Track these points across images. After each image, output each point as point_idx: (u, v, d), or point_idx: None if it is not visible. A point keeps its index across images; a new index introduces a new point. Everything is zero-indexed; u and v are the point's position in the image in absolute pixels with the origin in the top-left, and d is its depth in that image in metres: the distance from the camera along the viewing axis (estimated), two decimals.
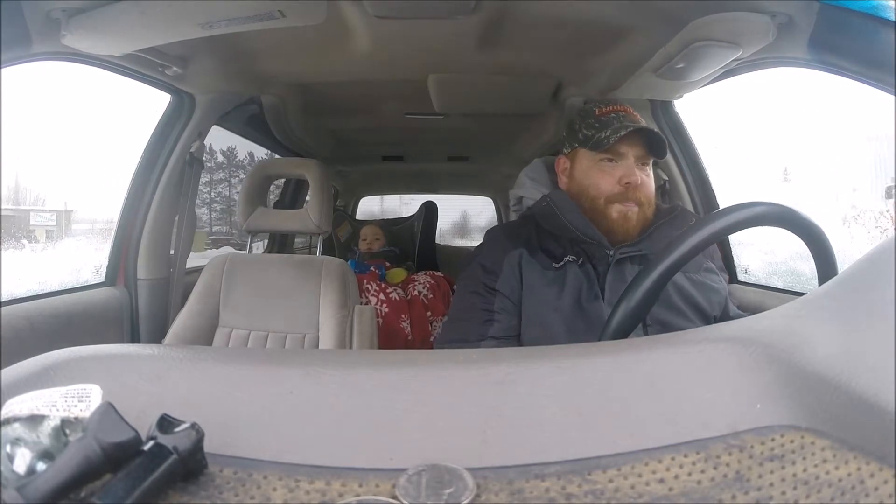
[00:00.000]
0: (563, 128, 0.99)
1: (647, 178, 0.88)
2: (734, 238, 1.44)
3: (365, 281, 2.08)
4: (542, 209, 0.90)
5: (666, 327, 0.80)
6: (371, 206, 3.76)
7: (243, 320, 1.39)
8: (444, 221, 3.39)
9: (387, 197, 3.81)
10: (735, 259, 1.47)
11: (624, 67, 1.30)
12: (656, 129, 0.88)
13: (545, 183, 0.98)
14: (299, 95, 1.69)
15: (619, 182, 0.86)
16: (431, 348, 2.06)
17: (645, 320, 0.78)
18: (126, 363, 0.36)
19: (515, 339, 0.85)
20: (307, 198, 1.56)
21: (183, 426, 0.26)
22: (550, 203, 0.89)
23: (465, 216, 4.06)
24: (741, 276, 1.47)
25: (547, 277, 0.85)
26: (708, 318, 0.86)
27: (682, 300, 0.84)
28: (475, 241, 3.59)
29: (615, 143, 0.85)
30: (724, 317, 0.89)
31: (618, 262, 0.85)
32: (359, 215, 3.49)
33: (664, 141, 0.87)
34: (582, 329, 0.81)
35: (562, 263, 0.85)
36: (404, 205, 3.74)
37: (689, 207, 1.47)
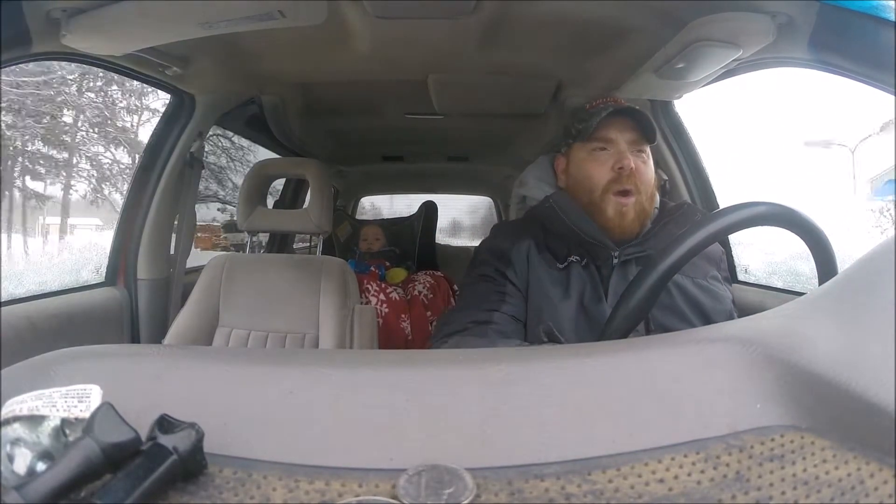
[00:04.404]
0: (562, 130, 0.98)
1: (644, 165, 0.85)
2: (734, 238, 1.44)
3: (365, 281, 2.08)
4: (545, 211, 0.89)
5: (669, 332, 0.79)
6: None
7: (243, 320, 1.38)
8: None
9: (385, 197, 3.77)
10: (735, 259, 1.47)
11: (624, 67, 1.30)
12: (638, 108, 0.86)
13: (550, 182, 0.96)
14: (299, 95, 1.69)
15: (612, 168, 0.84)
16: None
17: (648, 324, 0.77)
18: (126, 363, 0.36)
19: (522, 325, 0.84)
20: (307, 198, 1.56)
21: (183, 426, 0.26)
22: (553, 205, 0.88)
23: (456, 223, 3.89)
24: (741, 276, 1.47)
25: (552, 277, 0.84)
26: None
27: (687, 305, 0.82)
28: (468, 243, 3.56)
29: (602, 127, 0.84)
30: None
31: (622, 264, 0.83)
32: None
33: (651, 121, 0.85)
34: (585, 330, 0.80)
35: (566, 264, 0.84)
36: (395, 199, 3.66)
37: None
